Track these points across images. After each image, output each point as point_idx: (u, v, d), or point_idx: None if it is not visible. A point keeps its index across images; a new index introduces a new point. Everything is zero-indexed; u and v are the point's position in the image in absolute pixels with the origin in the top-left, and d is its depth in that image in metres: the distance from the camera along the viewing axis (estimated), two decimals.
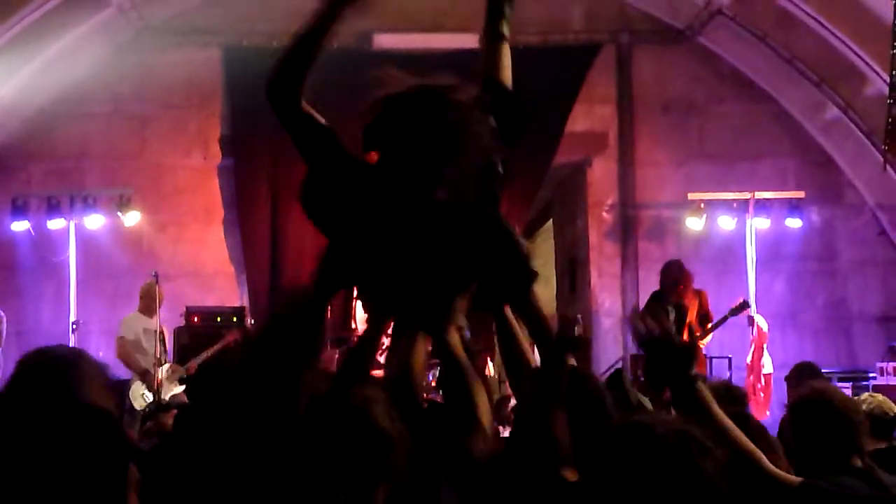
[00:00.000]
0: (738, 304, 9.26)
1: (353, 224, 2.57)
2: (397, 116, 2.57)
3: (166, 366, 9.08)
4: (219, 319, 9.78)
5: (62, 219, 10.14)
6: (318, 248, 10.39)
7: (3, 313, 9.42)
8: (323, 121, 2.76)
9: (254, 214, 10.77)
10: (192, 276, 10.66)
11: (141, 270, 10.12)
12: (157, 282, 9.31)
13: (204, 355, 9.00)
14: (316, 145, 2.74)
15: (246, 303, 10.52)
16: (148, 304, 9.23)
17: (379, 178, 2.54)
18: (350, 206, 2.59)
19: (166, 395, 8.89)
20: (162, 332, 9.18)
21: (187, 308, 9.80)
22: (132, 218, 10.27)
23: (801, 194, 10.91)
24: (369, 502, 2.23)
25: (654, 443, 1.74)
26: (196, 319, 9.67)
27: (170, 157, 10.92)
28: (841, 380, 9.70)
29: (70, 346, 3.89)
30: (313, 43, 2.73)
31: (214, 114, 11.02)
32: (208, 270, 10.83)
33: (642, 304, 10.11)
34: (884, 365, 10.05)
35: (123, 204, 10.21)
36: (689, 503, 1.70)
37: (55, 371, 2.41)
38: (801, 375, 5.31)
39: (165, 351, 9.14)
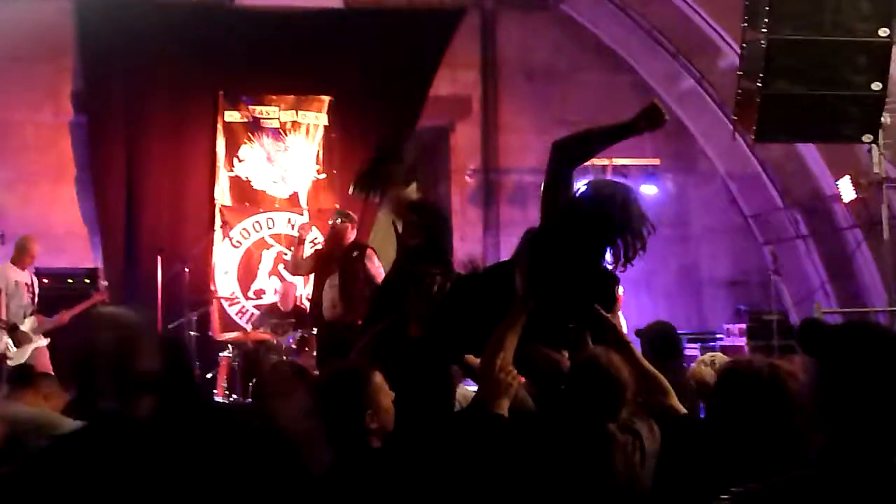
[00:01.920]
0: None
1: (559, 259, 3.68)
2: (605, 195, 3.70)
3: (31, 318, 8.78)
4: (70, 281, 9.45)
5: None
6: (177, 208, 9.99)
7: None
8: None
9: (108, 174, 10.40)
10: (42, 236, 10.18)
11: None
12: (3, 241, 8.95)
13: (74, 311, 8.86)
14: (558, 199, 3.83)
15: (99, 264, 10.19)
16: (21, 258, 8.90)
17: (583, 236, 3.67)
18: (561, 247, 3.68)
19: (30, 348, 8.69)
20: (32, 285, 8.88)
21: (37, 269, 9.41)
22: None
23: (656, 161, 11.21)
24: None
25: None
26: (46, 281, 9.31)
27: (18, 112, 10.42)
28: (691, 340, 10.07)
29: None
30: (604, 143, 4.08)
31: (66, 68, 10.56)
32: (59, 231, 10.41)
33: None
34: (730, 326, 10.51)
35: None
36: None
37: None
38: (654, 334, 5.48)
39: (34, 303, 8.85)
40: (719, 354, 4.95)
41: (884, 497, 1.84)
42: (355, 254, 8.57)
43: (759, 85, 7.88)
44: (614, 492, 3.14)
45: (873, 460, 1.86)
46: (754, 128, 8.09)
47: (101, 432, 2.43)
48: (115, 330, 2.53)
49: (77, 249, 10.43)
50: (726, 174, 11.75)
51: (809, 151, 10.64)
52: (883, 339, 1.97)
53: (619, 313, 10.25)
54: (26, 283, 8.91)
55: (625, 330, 10.41)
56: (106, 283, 9.78)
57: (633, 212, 3.62)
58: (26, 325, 8.71)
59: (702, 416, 4.43)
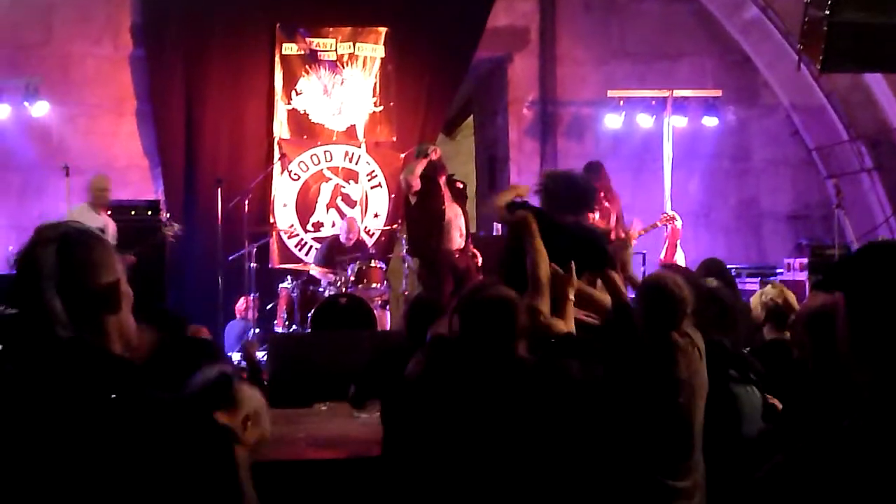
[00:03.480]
0: (667, 216, 9.41)
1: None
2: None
3: None
4: (133, 213, 9.56)
5: None
6: (236, 141, 10.07)
7: None
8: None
9: (168, 107, 10.48)
10: (105, 169, 10.34)
11: (50, 163, 9.83)
12: (67, 174, 9.04)
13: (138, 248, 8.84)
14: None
15: (161, 196, 10.33)
16: (100, 199, 8.95)
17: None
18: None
19: None
20: (105, 229, 8.84)
21: None
22: (40, 108, 9.92)
23: (718, 93, 11.03)
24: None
25: None
26: (110, 214, 9.45)
27: (78, 45, 10.50)
28: (750, 275, 9.98)
29: None
30: None
31: (124, 1, 10.60)
32: (121, 164, 10.56)
33: None
34: (791, 261, 10.37)
35: (31, 94, 9.85)
36: None
37: None
38: (708, 272, 5.42)
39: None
40: (778, 287, 4.89)
41: None
42: (461, 186, 8.93)
43: (827, 13, 7.66)
44: (679, 386, 3.66)
45: None
46: (821, 57, 7.89)
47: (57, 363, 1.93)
48: (62, 243, 2.02)
49: (139, 182, 10.58)
50: (790, 106, 11.51)
51: (877, 82, 10.37)
52: None
53: (679, 246, 10.31)
54: (100, 229, 8.79)
55: (683, 264, 10.45)
56: (168, 214, 9.93)
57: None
58: None
59: None
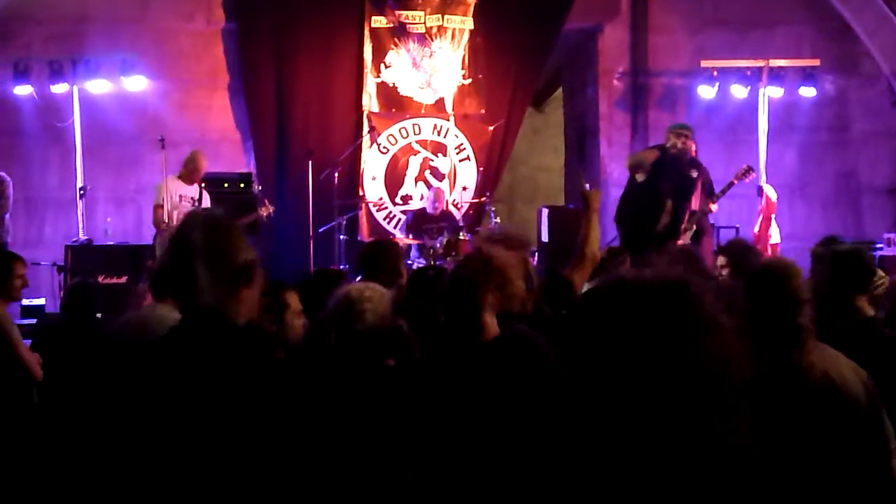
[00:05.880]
0: (742, 169, 9.17)
1: None
2: None
3: None
4: (226, 185, 9.72)
5: (65, 83, 10.01)
6: (326, 114, 10.23)
7: (9, 178, 9.38)
8: None
9: (259, 80, 10.60)
10: (198, 142, 10.52)
11: (146, 137, 10.05)
12: (163, 147, 9.22)
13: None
14: None
15: (253, 168, 10.48)
16: (188, 173, 9.16)
17: None
18: None
19: None
20: (200, 200, 9.07)
21: None
22: (136, 83, 10.13)
23: (815, 62, 10.72)
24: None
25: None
26: (204, 185, 9.62)
27: (172, 21, 10.67)
28: None
29: None
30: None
31: None
32: (214, 137, 10.73)
33: None
34: (891, 236, 10.04)
35: (127, 69, 10.06)
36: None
37: None
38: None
39: None
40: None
41: None
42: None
43: None
44: None
45: None
46: None
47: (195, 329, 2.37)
48: (208, 228, 2.41)
49: (231, 154, 10.74)
50: (891, 75, 11.11)
51: None
52: None
53: (773, 219, 10.08)
54: (192, 198, 9.03)
55: (777, 239, 10.24)
56: (259, 187, 10.07)
57: None
58: None
59: None
